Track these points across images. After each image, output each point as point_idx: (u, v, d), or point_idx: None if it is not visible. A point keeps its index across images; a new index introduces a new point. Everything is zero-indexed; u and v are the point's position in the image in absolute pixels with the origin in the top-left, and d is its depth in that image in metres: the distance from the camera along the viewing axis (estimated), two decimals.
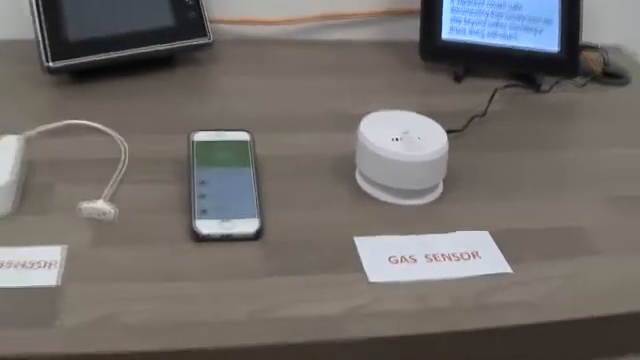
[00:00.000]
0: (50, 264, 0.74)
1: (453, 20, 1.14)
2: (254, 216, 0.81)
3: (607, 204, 0.90)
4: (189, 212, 0.81)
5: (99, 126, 0.94)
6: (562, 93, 1.13)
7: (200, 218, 0.80)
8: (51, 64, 1.01)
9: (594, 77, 1.17)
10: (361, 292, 0.75)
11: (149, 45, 1.06)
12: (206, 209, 0.80)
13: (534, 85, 1.13)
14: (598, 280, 0.79)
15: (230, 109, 1.02)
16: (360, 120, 0.89)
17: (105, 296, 0.71)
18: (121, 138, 0.93)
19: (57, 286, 0.72)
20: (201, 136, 0.89)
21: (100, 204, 0.81)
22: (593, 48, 1.19)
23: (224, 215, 0.80)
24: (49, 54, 1.01)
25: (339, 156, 0.93)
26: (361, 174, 0.89)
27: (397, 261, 0.78)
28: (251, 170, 0.86)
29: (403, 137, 0.86)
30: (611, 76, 1.18)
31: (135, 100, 1.02)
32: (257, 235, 0.79)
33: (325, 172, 0.91)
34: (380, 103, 0.95)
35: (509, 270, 0.79)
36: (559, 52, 1.14)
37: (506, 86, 1.09)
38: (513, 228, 0.84)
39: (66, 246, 0.76)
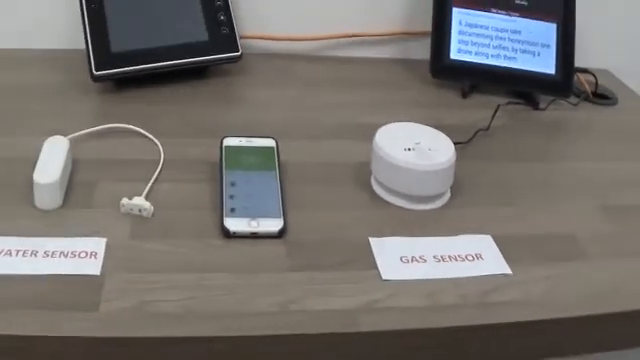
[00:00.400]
0: (94, 254, 0.73)
1: (461, 42, 1.13)
2: (278, 216, 0.80)
3: (598, 213, 0.89)
4: (219, 210, 0.80)
5: (139, 130, 0.94)
6: (558, 111, 1.12)
7: (229, 216, 0.79)
8: (96, 73, 1.01)
9: (586, 97, 1.17)
10: (375, 288, 0.74)
11: (185, 57, 1.05)
12: (235, 208, 0.79)
13: (533, 103, 1.12)
14: (588, 282, 0.78)
15: (257, 117, 1.01)
16: (376, 131, 0.88)
17: (142, 285, 0.71)
18: (158, 141, 0.92)
19: (100, 274, 0.71)
20: (231, 141, 0.89)
21: (139, 200, 0.80)
22: (585, 71, 1.19)
23: (251, 214, 0.79)
24: (94, 64, 1.01)
25: (356, 163, 0.92)
26: (376, 180, 0.88)
27: (408, 260, 0.77)
28: (276, 174, 0.85)
29: (415, 147, 0.86)
30: (600, 97, 1.18)
31: (171, 107, 1.01)
32: (281, 234, 0.79)
33: (343, 178, 0.90)
34: (394, 116, 0.94)
35: (509, 271, 0.78)
36: (555, 74, 1.14)
37: (508, 103, 1.08)
38: (513, 233, 0.83)
39: (108, 238, 0.75)
